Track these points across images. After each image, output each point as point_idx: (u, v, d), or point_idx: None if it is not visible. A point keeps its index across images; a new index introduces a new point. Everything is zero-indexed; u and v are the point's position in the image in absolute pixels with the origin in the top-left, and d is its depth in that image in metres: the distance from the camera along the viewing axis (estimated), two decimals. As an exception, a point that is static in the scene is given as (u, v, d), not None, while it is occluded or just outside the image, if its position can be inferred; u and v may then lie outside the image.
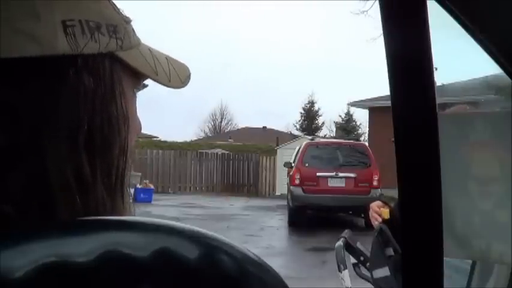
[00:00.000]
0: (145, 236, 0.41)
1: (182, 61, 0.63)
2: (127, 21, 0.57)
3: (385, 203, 2.13)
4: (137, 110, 0.61)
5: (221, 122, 53.44)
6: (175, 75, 0.60)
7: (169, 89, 0.62)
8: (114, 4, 0.56)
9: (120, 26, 0.55)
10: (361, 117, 47.10)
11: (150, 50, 0.59)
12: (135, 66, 0.56)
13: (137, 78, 0.58)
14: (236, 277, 0.42)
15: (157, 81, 0.58)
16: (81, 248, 0.38)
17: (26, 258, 0.37)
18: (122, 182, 0.54)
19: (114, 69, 0.54)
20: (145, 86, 0.62)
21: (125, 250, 0.39)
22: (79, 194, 0.48)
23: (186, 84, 0.62)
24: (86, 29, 0.50)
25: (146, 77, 0.58)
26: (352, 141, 14.06)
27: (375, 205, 2.14)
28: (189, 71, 0.63)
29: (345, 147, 12.89)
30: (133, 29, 0.58)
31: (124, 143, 0.54)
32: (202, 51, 73.48)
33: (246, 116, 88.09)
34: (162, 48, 0.63)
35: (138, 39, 0.59)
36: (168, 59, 0.61)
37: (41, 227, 0.43)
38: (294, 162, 13.17)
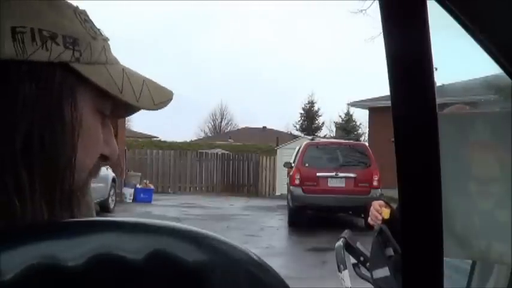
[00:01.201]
0: (139, 238, 0.40)
1: (167, 87, 0.64)
2: (94, 36, 0.57)
3: (387, 203, 2.13)
4: (111, 134, 0.62)
5: (221, 122, 53.49)
6: (148, 97, 0.60)
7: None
8: (86, 20, 0.57)
9: (82, 40, 0.55)
10: (361, 117, 47.13)
11: (124, 70, 0.59)
12: (96, 82, 0.55)
13: (102, 96, 0.57)
14: (236, 277, 0.41)
15: (123, 100, 0.58)
16: (71, 251, 0.38)
17: (14, 260, 0.37)
18: (69, 198, 0.53)
19: (65, 80, 0.53)
20: (136, 110, 0.63)
21: (117, 253, 0.38)
22: (18, 200, 0.48)
23: (159, 108, 0.62)
24: (37, 37, 0.51)
25: (112, 97, 0.57)
26: (352, 141, 14.04)
27: (376, 204, 2.14)
28: (170, 96, 0.64)
29: (345, 147, 12.88)
30: (105, 47, 0.58)
31: (72, 158, 0.53)
32: (203, 50, 73.52)
33: (246, 116, 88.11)
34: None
35: (112, 58, 0.59)
36: (145, 81, 0.61)
37: (30, 228, 0.43)
38: (294, 162, 13.16)
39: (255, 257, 0.43)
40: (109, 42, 0.61)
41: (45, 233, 0.40)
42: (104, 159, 0.61)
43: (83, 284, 0.37)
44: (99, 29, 0.59)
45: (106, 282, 0.38)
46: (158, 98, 0.62)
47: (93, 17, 0.59)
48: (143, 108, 0.60)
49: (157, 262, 0.39)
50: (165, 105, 0.63)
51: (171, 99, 0.64)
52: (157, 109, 0.62)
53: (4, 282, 0.36)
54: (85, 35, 0.56)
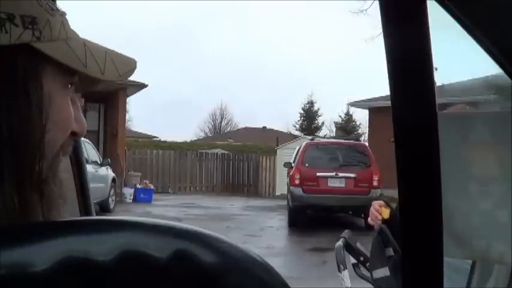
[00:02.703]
0: (163, 237, 0.42)
1: (130, 55, 0.63)
2: (52, 13, 0.55)
3: (387, 203, 2.14)
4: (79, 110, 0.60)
5: (221, 122, 53.46)
6: (112, 68, 0.59)
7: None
8: None
9: (40, 18, 0.54)
10: (361, 117, 47.18)
11: (84, 43, 0.58)
12: (60, 59, 0.54)
13: (67, 72, 0.56)
14: (244, 279, 0.43)
15: (88, 74, 0.57)
16: (101, 247, 0.39)
17: (48, 252, 0.38)
18: (39, 179, 0.53)
19: (29, 61, 0.52)
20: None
21: (143, 250, 0.40)
22: None
23: (125, 78, 0.61)
24: None
25: (76, 71, 0.56)
26: (352, 141, 14.02)
27: (376, 203, 2.14)
28: (133, 65, 0.63)
29: (345, 147, 12.88)
30: (64, 22, 0.57)
31: (41, 141, 0.53)
32: (203, 51, 73.53)
33: (246, 116, 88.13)
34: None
35: (72, 33, 0.58)
36: (107, 52, 0.60)
37: (61, 223, 0.44)
38: (294, 162, 13.16)
39: (257, 257, 0.44)
40: (66, 16, 0.59)
41: (75, 228, 0.42)
42: (74, 135, 0.60)
43: (111, 278, 0.39)
44: (54, 4, 0.58)
45: (132, 277, 0.40)
46: (122, 68, 0.61)
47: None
48: (109, 79, 0.59)
49: (179, 261, 0.41)
50: (130, 75, 0.62)
51: (134, 68, 0.63)
52: (122, 80, 0.61)
53: (37, 273, 0.37)
54: (43, 13, 0.54)
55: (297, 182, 12.14)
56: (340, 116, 36.77)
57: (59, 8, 0.58)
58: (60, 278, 0.38)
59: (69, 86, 0.58)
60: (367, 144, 15.05)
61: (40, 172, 0.53)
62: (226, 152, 23.49)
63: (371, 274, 1.98)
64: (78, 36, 0.60)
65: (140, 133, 33.26)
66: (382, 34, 0.79)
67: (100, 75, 0.58)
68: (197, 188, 21.38)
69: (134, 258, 0.40)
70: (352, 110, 33.91)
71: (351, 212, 12.80)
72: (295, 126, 37.98)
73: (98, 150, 14.48)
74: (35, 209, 0.53)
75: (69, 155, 1.11)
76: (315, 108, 37.37)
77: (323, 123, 38.37)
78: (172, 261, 0.40)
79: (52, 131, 0.54)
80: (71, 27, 0.60)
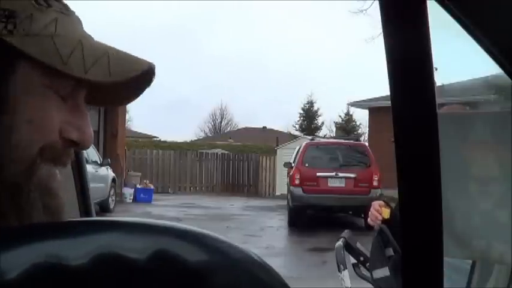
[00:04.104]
0: (142, 237, 0.40)
1: (145, 58, 0.57)
2: (41, 8, 0.53)
3: (387, 203, 2.14)
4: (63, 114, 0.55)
5: (221, 122, 53.46)
6: (103, 68, 0.54)
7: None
8: None
9: (22, 12, 0.52)
10: (361, 117, 47.16)
11: (81, 41, 0.54)
12: (31, 54, 0.51)
13: (47, 70, 0.53)
14: (237, 277, 0.41)
15: (66, 72, 0.53)
16: (75, 250, 0.38)
17: (18, 259, 0.37)
18: (14, 187, 0.51)
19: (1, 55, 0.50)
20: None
21: (120, 252, 0.38)
22: None
23: (119, 78, 0.55)
24: None
25: (54, 68, 0.53)
26: (352, 141, 14.02)
27: (376, 203, 2.15)
28: (140, 66, 0.56)
29: (344, 147, 12.87)
30: (60, 20, 0.54)
31: (11, 143, 0.51)
32: (203, 51, 73.51)
33: (246, 116, 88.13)
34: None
35: (67, 31, 0.54)
36: (110, 52, 0.55)
37: (33, 227, 0.43)
38: (293, 162, 13.15)
39: (255, 257, 0.43)
40: (78, 17, 0.57)
41: (48, 232, 0.40)
42: (73, 144, 0.57)
43: (86, 283, 0.38)
44: (64, 4, 0.56)
45: (109, 281, 0.38)
46: (118, 69, 0.55)
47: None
48: (93, 80, 0.54)
49: (160, 262, 0.39)
50: (130, 76, 0.55)
51: (139, 70, 0.56)
52: (113, 82, 0.54)
53: (8, 281, 0.36)
54: (27, 7, 0.52)
55: (297, 182, 12.14)
56: (340, 116, 36.80)
57: (66, 7, 0.56)
58: (35, 284, 0.36)
59: (56, 88, 0.54)
60: (367, 144, 15.05)
61: (12, 175, 0.51)
62: (226, 152, 23.49)
63: (371, 274, 1.98)
64: (87, 37, 0.56)
65: (140, 133, 33.24)
66: (382, 34, 0.79)
67: (82, 74, 0.53)
68: (197, 188, 21.37)
69: (111, 261, 0.38)
70: (352, 110, 33.95)
71: (351, 212, 12.80)
72: (295, 126, 37.99)
73: (98, 150, 14.48)
74: (4, 214, 0.50)
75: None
76: (315, 108, 37.36)
77: (323, 123, 38.39)
78: (153, 262, 0.39)
79: (24, 130, 0.52)
80: (82, 28, 0.57)
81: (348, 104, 26.51)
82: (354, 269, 2.15)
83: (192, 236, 0.41)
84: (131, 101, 0.63)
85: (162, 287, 0.39)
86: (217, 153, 22.60)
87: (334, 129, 36.96)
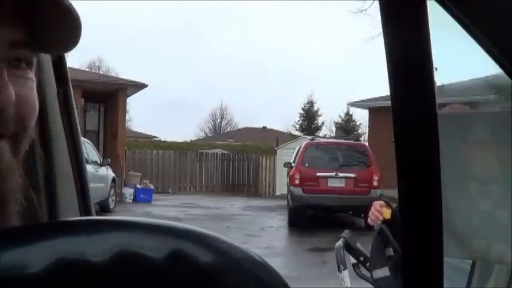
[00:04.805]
0: (160, 237, 0.41)
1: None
2: None
3: (387, 203, 2.14)
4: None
5: (221, 122, 53.47)
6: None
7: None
8: None
9: None
10: (361, 117, 47.19)
11: None
12: None
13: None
14: (244, 279, 0.42)
15: None
16: (96, 247, 0.39)
17: (41, 253, 0.38)
18: None
19: None
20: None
21: (139, 251, 0.40)
22: None
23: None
24: None
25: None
26: (352, 141, 14.02)
27: (377, 204, 2.15)
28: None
29: (344, 147, 12.88)
30: None
31: None
32: (203, 51, 73.55)
33: (246, 116, 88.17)
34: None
35: None
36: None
37: (55, 224, 0.45)
38: (293, 162, 13.16)
39: (256, 257, 0.44)
40: None
41: (71, 229, 0.41)
42: None
43: (106, 279, 0.39)
44: None
45: (128, 278, 0.40)
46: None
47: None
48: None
49: (175, 261, 0.40)
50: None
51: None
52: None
53: (31, 275, 0.37)
54: None
55: (297, 182, 12.14)
56: (340, 116, 36.78)
57: None
58: (55, 279, 0.38)
59: None
60: (367, 144, 15.05)
61: None
62: (226, 152, 23.49)
63: (371, 274, 1.98)
64: None
65: (140, 133, 33.27)
66: (382, 34, 0.79)
67: None
68: (197, 188, 21.37)
69: (130, 259, 0.39)
70: (352, 110, 33.93)
71: (351, 212, 12.80)
72: (295, 126, 37.98)
73: (98, 150, 14.48)
74: None
75: (69, 154, 1.10)
76: (315, 108, 37.36)
77: (323, 123, 38.39)
78: (168, 262, 0.40)
79: None
80: None
81: (348, 104, 26.57)
82: (354, 269, 2.15)
83: (204, 237, 0.43)
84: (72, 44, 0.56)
85: (175, 285, 0.41)
86: (217, 153, 22.61)
87: (334, 129, 36.98)
